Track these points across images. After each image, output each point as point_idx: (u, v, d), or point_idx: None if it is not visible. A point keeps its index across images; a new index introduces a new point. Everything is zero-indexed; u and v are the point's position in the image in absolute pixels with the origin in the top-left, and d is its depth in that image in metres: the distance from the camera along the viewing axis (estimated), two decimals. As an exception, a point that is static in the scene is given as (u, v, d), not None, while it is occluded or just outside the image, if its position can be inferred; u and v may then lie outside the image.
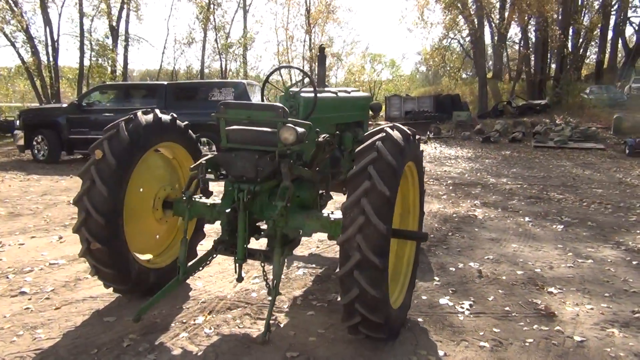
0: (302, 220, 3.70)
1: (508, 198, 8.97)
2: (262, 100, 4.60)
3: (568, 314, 4.03)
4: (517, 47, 42.15)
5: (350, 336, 3.52)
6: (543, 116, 24.57)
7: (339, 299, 3.27)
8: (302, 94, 4.33)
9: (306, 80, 4.78)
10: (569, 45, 30.12)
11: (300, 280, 4.64)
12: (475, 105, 29.63)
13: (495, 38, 36.14)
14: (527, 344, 3.53)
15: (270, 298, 3.53)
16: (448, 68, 41.31)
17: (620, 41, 33.64)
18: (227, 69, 39.99)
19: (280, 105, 3.62)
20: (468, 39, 39.83)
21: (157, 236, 4.25)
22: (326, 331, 3.64)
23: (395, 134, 3.29)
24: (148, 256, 4.16)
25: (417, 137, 3.68)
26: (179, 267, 3.63)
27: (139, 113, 3.84)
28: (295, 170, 3.69)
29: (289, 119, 3.56)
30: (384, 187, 3.00)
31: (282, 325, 3.72)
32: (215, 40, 40.16)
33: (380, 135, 3.24)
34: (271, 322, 3.72)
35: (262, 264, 3.70)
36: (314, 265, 5.10)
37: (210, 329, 3.61)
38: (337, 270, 3.08)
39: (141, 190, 3.94)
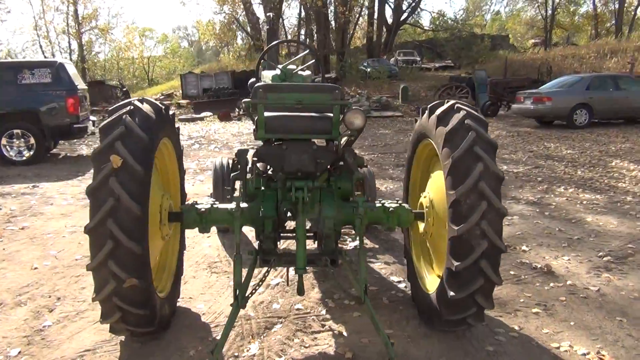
0: (354, 212, 3.30)
1: (379, 168, 9.37)
2: (257, 78, 3.92)
3: (559, 268, 4.40)
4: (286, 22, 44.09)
5: (425, 331, 3.30)
6: (335, 88, 26.23)
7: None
8: (301, 73, 3.84)
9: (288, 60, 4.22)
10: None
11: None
12: (268, 80, 30.12)
13: (272, 14, 37.09)
14: (564, 301, 3.75)
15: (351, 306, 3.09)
16: (228, 44, 41.20)
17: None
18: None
19: (335, 85, 3.13)
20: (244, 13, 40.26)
21: (157, 257, 3.37)
22: (394, 331, 3.34)
23: (469, 108, 3.09)
24: (147, 283, 3.27)
25: None
26: (235, 290, 2.91)
27: (137, 102, 2.93)
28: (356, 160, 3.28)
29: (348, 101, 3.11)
30: (496, 167, 2.83)
31: (346, 334, 3.29)
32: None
33: (463, 113, 3.00)
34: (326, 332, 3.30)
35: (331, 271, 3.19)
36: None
37: (280, 356, 3.01)
38: (456, 263, 2.80)
39: (146, 202, 3.05)
